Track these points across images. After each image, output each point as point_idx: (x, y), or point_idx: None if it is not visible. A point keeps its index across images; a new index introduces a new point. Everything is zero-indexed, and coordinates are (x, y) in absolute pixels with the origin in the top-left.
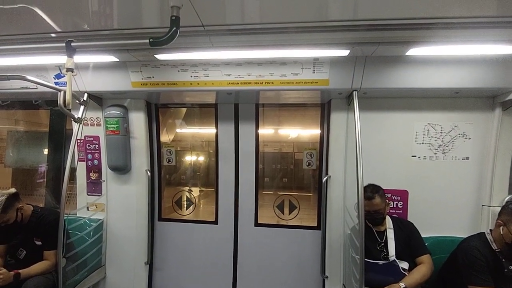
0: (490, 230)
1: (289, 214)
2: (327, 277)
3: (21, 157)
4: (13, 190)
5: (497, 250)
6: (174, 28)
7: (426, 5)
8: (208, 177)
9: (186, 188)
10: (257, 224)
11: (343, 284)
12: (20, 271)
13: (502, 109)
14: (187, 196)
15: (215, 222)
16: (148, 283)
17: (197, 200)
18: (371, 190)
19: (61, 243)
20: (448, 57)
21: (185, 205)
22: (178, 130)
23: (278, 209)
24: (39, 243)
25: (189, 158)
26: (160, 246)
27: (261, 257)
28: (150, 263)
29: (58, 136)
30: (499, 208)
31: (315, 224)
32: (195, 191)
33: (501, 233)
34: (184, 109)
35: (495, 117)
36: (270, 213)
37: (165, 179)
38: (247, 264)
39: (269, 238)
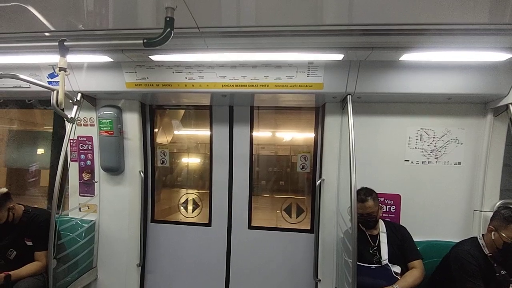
0: (483, 235)
1: (295, 217)
2: (319, 280)
3: (21, 157)
4: (4, 189)
5: (489, 255)
6: (168, 29)
7: (420, 11)
8: (205, 179)
9: (194, 191)
10: (250, 226)
11: None
12: (10, 272)
13: (494, 115)
14: (193, 199)
15: (209, 224)
16: (140, 286)
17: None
18: (364, 193)
19: (52, 244)
20: (441, 63)
21: (191, 208)
22: (176, 132)
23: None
24: (29, 243)
25: (186, 160)
26: (152, 248)
27: (254, 259)
28: (142, 265)
29: (62, 136)
30: (491, 213)
31: (308, 227)
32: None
33: (493, 238)
34: (182, 111)
35: (487, 122)
36: (265, 216)
37: (162, 181)
38: (240, 267)
39: (262, 241)
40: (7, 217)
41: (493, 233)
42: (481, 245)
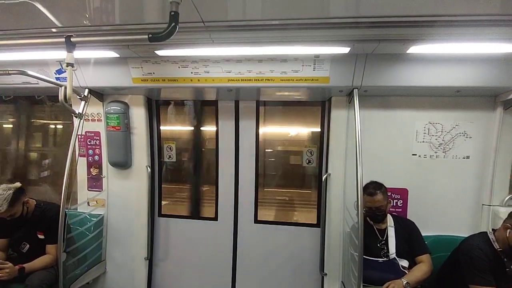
0: (493, 229)
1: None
2: (325, 274)
3: None
4: (18, 184)
5: (499, 250)
6: (173, 24)
7: (428, 2)
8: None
9: None
10: (256, 221)
11: (342, 282)
12: (24, 265)
13: (504, 108)
14: None
15: (215, 218)
16: (147, 279)
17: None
18: (374, 187)
19: (62, 238)
20: (449, 56)
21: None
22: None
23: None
24: (41, 237)
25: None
26: (159, 242)
27: (260, 254)
28: (150, 258)
29: None
30: (500, 208)
31: (315, 222)
32: None
33: (507, 236)
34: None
35: (497, 116)
36: (271, 210)
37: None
38: (246, 261)
39: (269, 235)
40: (22, 211)
41: (508, 230)
42: (491, 240)
